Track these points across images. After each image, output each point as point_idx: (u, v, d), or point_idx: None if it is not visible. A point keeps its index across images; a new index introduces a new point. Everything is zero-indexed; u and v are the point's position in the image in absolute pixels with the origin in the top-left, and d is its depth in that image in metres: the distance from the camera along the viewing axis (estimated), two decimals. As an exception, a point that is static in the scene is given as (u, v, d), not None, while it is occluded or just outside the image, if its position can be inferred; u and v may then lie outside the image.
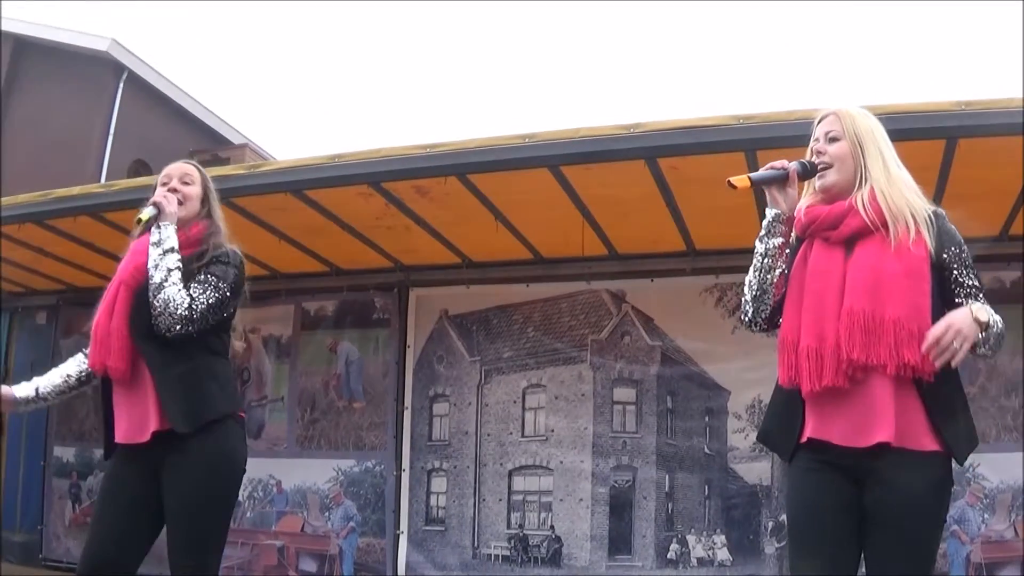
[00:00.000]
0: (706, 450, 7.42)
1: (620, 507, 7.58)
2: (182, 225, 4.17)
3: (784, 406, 3.39)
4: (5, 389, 4.26)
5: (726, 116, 5.56)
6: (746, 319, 3.45)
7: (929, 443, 3.15)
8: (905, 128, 5.19)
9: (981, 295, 3.27)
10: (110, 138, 18.30)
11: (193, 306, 3.96)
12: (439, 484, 8.14)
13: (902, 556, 3.16)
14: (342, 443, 8.44)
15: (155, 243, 4.03)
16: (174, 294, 3.93)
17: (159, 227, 4.06)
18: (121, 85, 18.75)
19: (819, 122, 3.51)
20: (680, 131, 5.62)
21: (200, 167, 4.41)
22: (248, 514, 8.66)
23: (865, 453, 3.15)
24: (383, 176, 6.42)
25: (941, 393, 3.18)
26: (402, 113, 61.43)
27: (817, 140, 3.47)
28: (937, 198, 5.96)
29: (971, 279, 3.28)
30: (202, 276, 4.05)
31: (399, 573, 8.04)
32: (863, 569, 3.23)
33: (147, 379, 3.99)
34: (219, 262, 4.13)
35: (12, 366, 10.06)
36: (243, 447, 4.19)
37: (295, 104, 59.08)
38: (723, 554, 7.28)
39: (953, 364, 3.07)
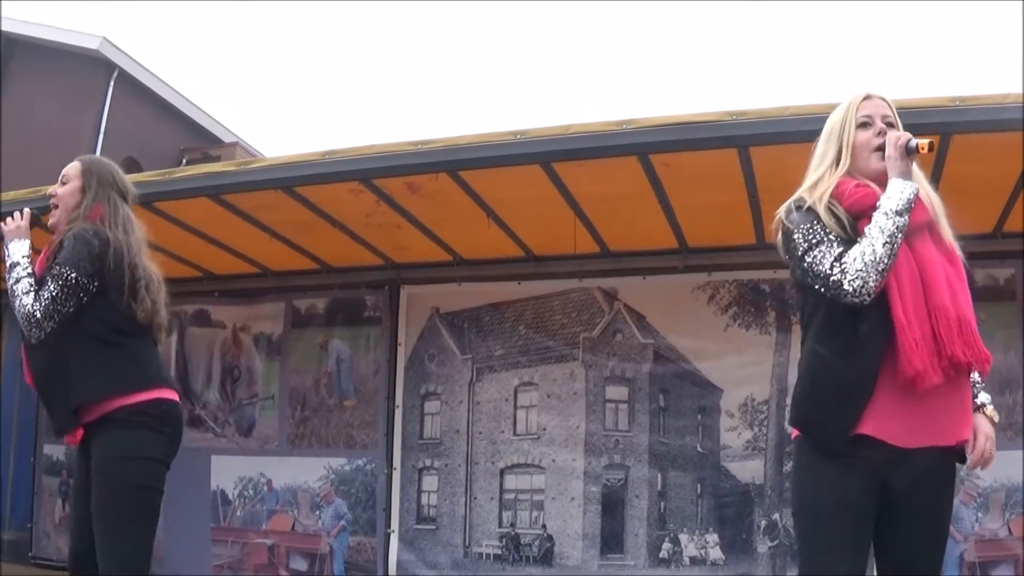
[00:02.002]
0: (699, 448, 7.40)
1: (612, 506, 7.56)
2: (72, 221, 4.22)
3: (837, 394, 3.26)
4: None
5: (719, 112, 5.53)
6: (864, 292, 3.14)
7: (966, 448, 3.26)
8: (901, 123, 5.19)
9: None
10: (101, 136, 18.27)
11: (36, 307, 3.98)
12: (430, 483, 8.11)
13: (934, 552, 3.26)
14: (333, 441, 8.41)
15: (7, 266, 4.12)
16: (25, 303, 3.99)
17: (6, 244, 4.16)
18: (112, 83, 18.75)
19: (864, 100, 3.44)
20: (672, 127, 5.59)
21: (87, 160, 4.51)
22: (238, 512, 8.64)
23: (918, 456, 3.15)
24: (374, 173, 6.39)
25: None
26: (393, 110, 61.49)
27: (872, 120, 3.39)
28: (932, 195, 5.99)
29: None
30: (52, 271, 4.05)
31: (390, 572, 8.01)
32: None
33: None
34: (62, 247, 4.11)
35: (2, 364, 10.02)
36: (142, 433, 4.08)
37: (285, 102, 59.06)
38: (716, 553, 7.26)
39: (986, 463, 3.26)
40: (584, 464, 7.64)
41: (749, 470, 7.26)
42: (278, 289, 8.76)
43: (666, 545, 7.38)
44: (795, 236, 3.30)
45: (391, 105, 62.97)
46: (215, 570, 8.55)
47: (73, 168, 4.38)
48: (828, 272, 3.19)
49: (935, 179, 5.73)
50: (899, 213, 3.16)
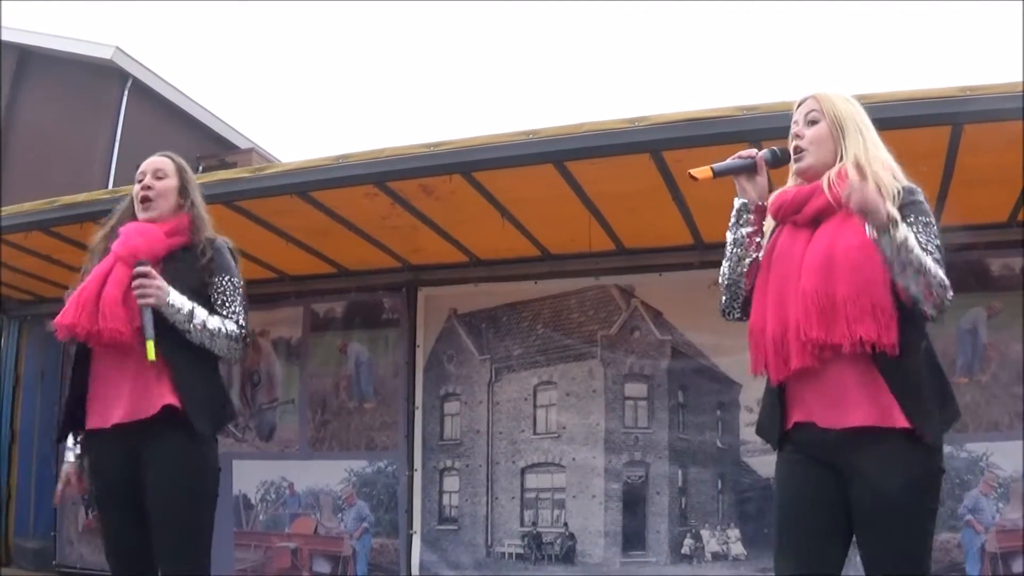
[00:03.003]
0: (718, 444, 7.40)
1: (633, 503, 7.56)
2: (161, 218, 4.13)
3: (769, 395, 3.40)
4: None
5: (730, 107, 5.54)
6: (723, 310, 3.46)
7: (905, 421, 3.06)
8: (909, 115, 5.19)
9: (936, 258, 3.11)
10: (116, 145, 18.30)
11: (241, 324, 4.02)
12: (451, 483, 8.13)
13: (889, 556, 3.10)
14: (354, 444, 8.44)
15: (175, 323, 3.91)
16: (226, 335, 3.96)
17: (167, 307, 3.89)
18: (126, 93, 18.77)
19: (798, 106, 3.47)
20: (684, 123, 5.60)
21: (176, 158, 4.34)
22: (261, 516, 8.67)
23: (845, 440, 3.10)
24: (388, 176, 6.41)
25: (904, 369, 3.10)
26: (405, 113, 61.48)
27: (796, 123, 3.43)
28: (944, 185, 5.99)
29: (927, 239, 3.13)
30: (220, 285, 4.03)
31: (413, 573, 8.03)
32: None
33: (139, 358, 3.85)
34: (220, 255, 4.10)
35: (22, 374, 10.09)
36: (216, 447, 4.13)
37: (300, 107, 59.12)
38: (737, 548, 7.25)
39: (856, 204, 2.96)
40: (604, 462, 7.65)
41: (769, 465, 7.16)
42: (296, 294, 8.78)
43: (688, 541, 7.38)
44: None
45: (403, 108, 63.03)
46: (239, 575, 8.58)
47: (166, 164, 4.26)
48: None
49: (948, 170, 5.75)
50: (730, 229, 3.38)
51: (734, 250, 3.35)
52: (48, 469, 9.72)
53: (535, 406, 7.93)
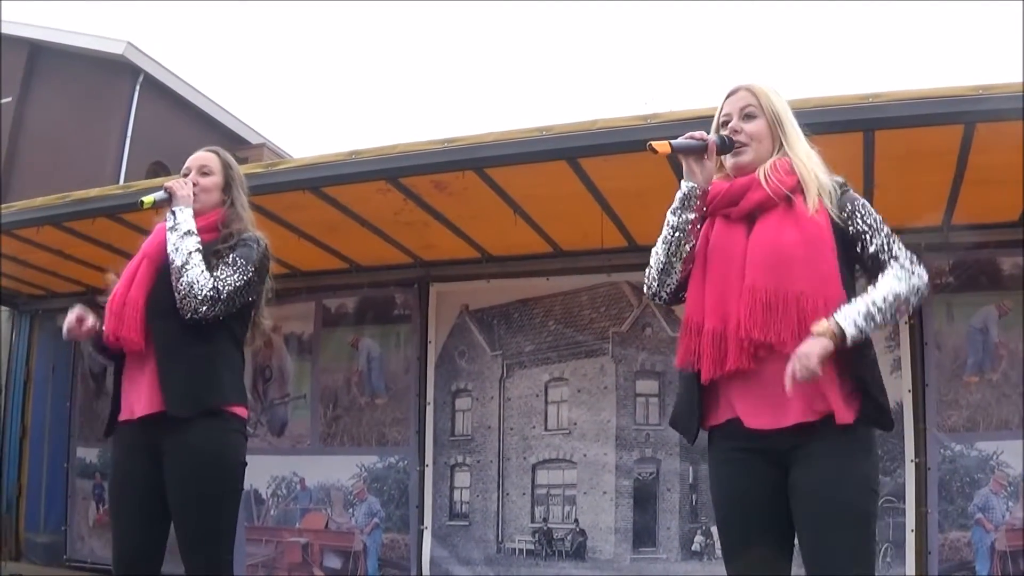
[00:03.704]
0: (730, 441, 7.38)
1: (644, 499, 7.56)
2: (200, 213, 4.15)
3: (686, 388, 3.33)
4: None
5: (743, 105, 5.54)
6: (650, 292, 3.41)
7: (844, 415, 3.04)
8: (922, 114, 5.19)
9: (884, 234, 3.18)
10: (128, 141, 18.36)
11: (219, 287, 3.95)
12: (462, 479, 8.14)
13: (830, 538, 3.04)
14: (365, 439, 8.45)
15: (171, 228, 4.03)
16: (197, 275, 3.92)
17: (174, 212, 4.05)
18: (138, 88, 18.83)
19: (728, 97, 3.44)
20: (697, 121, 5.58)
21: (223, 154, 4.39)
22: (272, 511, 8.69)
23: (782, 438, 3.09)
24: (401, 172, 6.43)
25: (849, 360, 3.07)
26: (418, 108, 61.48)
27: (730, 116, 3.39)
28: (956, 184, 6.01)
29: (874, 221, 3.19)
30: (229, 258, 4.04)
31: (424, 569, 8.04)
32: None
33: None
34: (245, 244, 4.12)
35: (34, 369, 10.11)
36: (243, 441, 4.17)
37: (311, 102, 59.21)
38: (748, 545, 7.24)
39: (801, 376, 2.94)
40: (615, 458, 7.65)
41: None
42: (308, 289, 8.79)
43: (698, 538, 7.38)
44: None
45: (416, 103, 63.04)
46: (250, 570, 8.59)
47: (212, 160, 4.31)
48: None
49: (960, 168, 5.75)
50: (672, 212, 3.31)
51: (676, 235, 3.30)
52: (59, 464, 9.76)
53: (546, 402, 7.94)
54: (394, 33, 67.67)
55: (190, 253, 3.96)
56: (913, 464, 6.68)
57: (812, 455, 3.06)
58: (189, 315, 3.92)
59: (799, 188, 3.23)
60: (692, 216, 3.28)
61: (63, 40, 18.84)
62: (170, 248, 3.99)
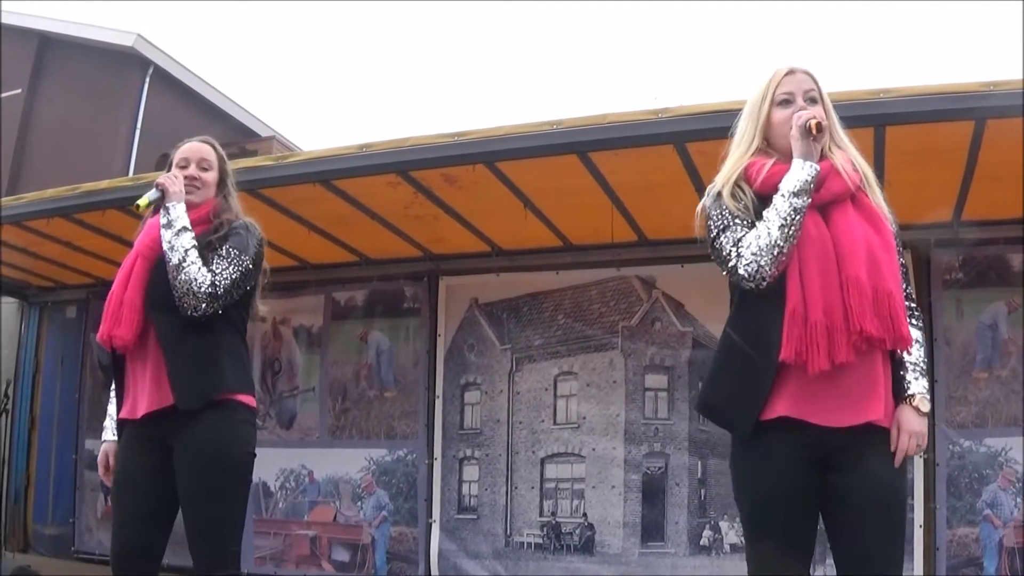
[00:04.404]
0: (738, 436, 7.38)
1: (652, 494, 7.56)
2: (193, 205, 4.15)
3: (741, 377, 3.29)
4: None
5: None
6: (759, 276, 3.14)
7: (889, 420, 3.13)
8: (932, 110, 5.18)
9: (903, 270, 3.28)
10: (137, 133, 18.34)
11: (216, 282, 3.95)
12: (471, 472, 8.14)
13: (883, 542, 3.13)
14: (374, 432, 8.45)
15: (165, 224, 4.02)
16: (195, 273, 3.92)
17: (167, 208, 4.05)
18: (147, 80, 18.80)
19: (786, 76, 3.37)
20: (709, 115, 5.57)
21: (217, 147, 4.39)
22: (280, 504, 8.70)
23: (840, 431, 3.09)
24: (411, 165, 6.42)
25: (895, 369, 3.17)
26: (429, 102, 61.41)
27: (791, 96, 3.32)
28: (966, 180, 6.00)
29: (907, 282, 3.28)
30: (223, 250, 4.04)
31: (432, 562, 8.05)
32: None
33: (158, 350, 3.98)
34: (237, 233, 4.12)
35: (43, 360, 10.13)
36: (252, 431, 4.17)
37: (321, 95, 59.06)
38: (756, 540, 7.24)
39: (913, 454, 3.14)
40: (624, 452, 7.65)
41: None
42: (317, 282, 8.80)
43: (707, 533, 7.38)
44: (708, 223, 3.33)
45: (427, 96, 62.96)
46: (258, 562, 8.60)
47: (211, 155, 4.32)
48: (727, 257, 3.23)
49: (971, 165, 5.74)
50: (796, 194, 3.11)
51: (796, 218, 3.10)
52: (67, 456, 9.78)
53: (555, 396, 7.94)
54: (405, 26, 67.69)
55: (187, 251, 3.96)
56: (922, 460, 6.66)
57: (865, 463, 3.10)
58: (189, 312, 3.93)
59: (863, 185, 3.24)
60: (808, 199, 3.14)
61: (72, 32, 18.81)
62: (165, 246, 3.99)
